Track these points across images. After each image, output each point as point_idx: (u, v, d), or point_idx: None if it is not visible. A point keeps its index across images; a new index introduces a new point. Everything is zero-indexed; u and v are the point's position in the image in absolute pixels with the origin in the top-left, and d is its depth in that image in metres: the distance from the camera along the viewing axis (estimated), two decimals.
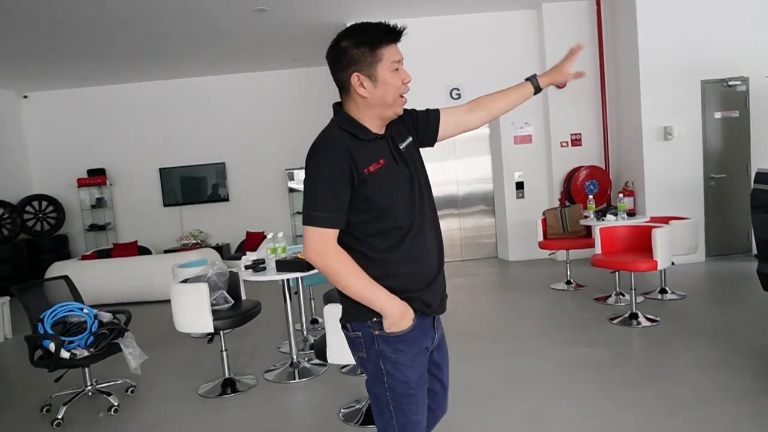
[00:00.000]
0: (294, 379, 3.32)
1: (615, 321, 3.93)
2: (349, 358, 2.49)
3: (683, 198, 5.69)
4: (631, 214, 4.79)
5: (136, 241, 6.77)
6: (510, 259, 6.59)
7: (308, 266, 3.08)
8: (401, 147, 1.43)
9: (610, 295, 4.51)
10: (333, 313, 2.43)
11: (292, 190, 8.22)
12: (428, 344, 1.46)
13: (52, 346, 2.95)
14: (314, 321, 4.55)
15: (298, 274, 3.10)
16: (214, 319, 3.04)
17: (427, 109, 1.58)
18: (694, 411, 2.54)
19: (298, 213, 8.29)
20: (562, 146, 6.35)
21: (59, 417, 2.95)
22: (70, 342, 3.04)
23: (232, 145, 8.19)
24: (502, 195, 6.60)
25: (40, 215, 7.94)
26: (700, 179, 5.79)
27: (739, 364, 2.99)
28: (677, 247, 4.27)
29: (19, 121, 8.19)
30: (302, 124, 8.10)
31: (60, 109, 8.23)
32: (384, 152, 1.38)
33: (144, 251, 6.58)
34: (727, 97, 5.78)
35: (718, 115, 5.79)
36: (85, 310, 3.21)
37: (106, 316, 3.23)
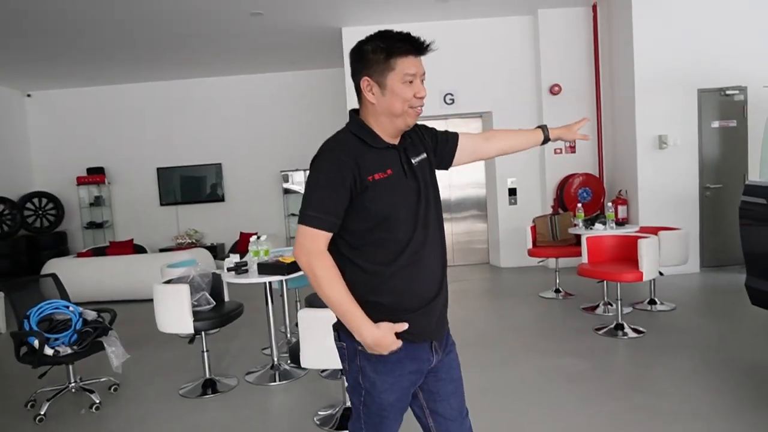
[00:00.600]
0: (274, 381, 3.35)
1: (601, 331, 3.91)
2: (322, 363, 2.52)
3: (678, 208, 5.66)
4: (620, 223, 4.77)
5: (131, 240, 6.84)
6: (502, 265, 6.58)
7: (289, 269, 3.10)
8: (414, 161, 1.41)
9: (598, 305, 4.50)
10: (307, 318, 2.45)
11: (287, 191, 8.27)
12: (416, 368, 1.40)
13: (36, 343, 3.00)
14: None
15: (279, 277, 3.13)
16: (194, 320, 3.07)
17: (447, 131, 1.60)
18: (671, 425, 2.53)
19: (293, 215, 8.34)
20: (556, 153, 6.34)
21: (42, 413, 3.00)
22: (55, 339, 3.09)
23: (229, 146, 8.26)
24: (494, 201, 6.60)
25: (40, 212, 8.04)
26: (696, 189, 5.75)
27: (722, 379, 2.97)
28: (666, 258, 4.25)
29: (22, 119, 8.31)
30: (298, 126, 8.17)
31: (62, 108, 8.34)
32: (393, 162, 1.36)
33: (139, 249, 6.65)
34: (724, 107, 5.74)
35: (715, 124, 5.76)
36: (71, 308, 3.26)
37: (91, 315, 3.27)
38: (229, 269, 3.28)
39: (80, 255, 6.43)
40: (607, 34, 6.16)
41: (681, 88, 5.64)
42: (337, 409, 2.78)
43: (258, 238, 3.45)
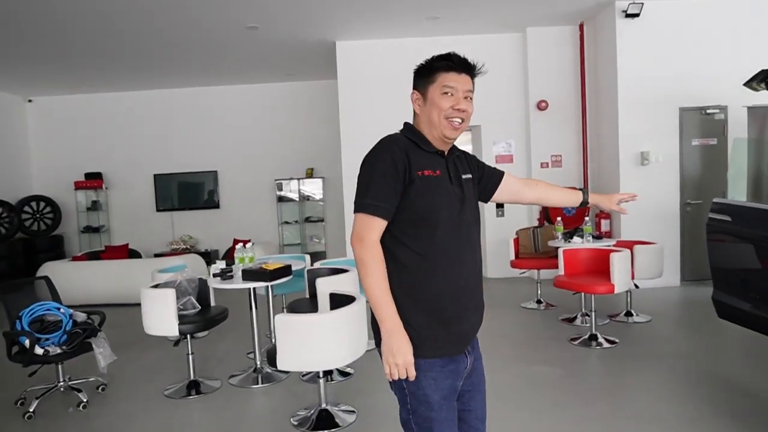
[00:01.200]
0: (257, 384, 3.47)
1: (576, 342, 4.04)
2: (297, 365, 2.65)
3: (659, 222, 5.80)
4: (598, 236, 4.91)
5: (127, 244, 6.97)
6: (488, 276, 6.71)
7: (271, 276, 3.23)
8: (462, 176, 1.50)
9: (576, 316, 4.62)
10: (283, 322, 2.58)
11: (281, 199, 8.42)
12: (454, 367, 1.44)
13: (27, 343, 3.13)
14: None
15: (262, 284, 3.26)
16: (180, 323, 3.20)
17: (494, 168, 1.72)
18: (632, 431, 2.64)
19: (286, 222, 8.48)
20: (542, 167, 6.50)
21: (31, 410, 3.11)
22: (45, 339, 3.21)
23: (225, 154, 8.45)
24: (482, 212, 6.70)
25: (38, 215, 8.19)
26: (677, 205, 5.90)
27: (688, 390, 3.08)
28: (641, 271, 4.39)
29: (22, 124, 8.49)
30: (293, 136, 8.36)
31: (62, 114, 8.53)
32: (442, 167, 1.46)
33: (134, 254, 6.78)
34: (705, 125, 5.91)
35: (695, 142, 5.92)
36: (62, 310, 3.39)
37: (81, 316, 3.40)
38: (214, 275, 3.42)
39: (75, 259, 6.56)
40: (593, 53, 6.35)
41: (663, 106, 5.81)
42: (313, 411, 2.90)
43: (244, 246, 3.59)
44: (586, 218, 5.15)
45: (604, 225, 5.99)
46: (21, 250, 7.75)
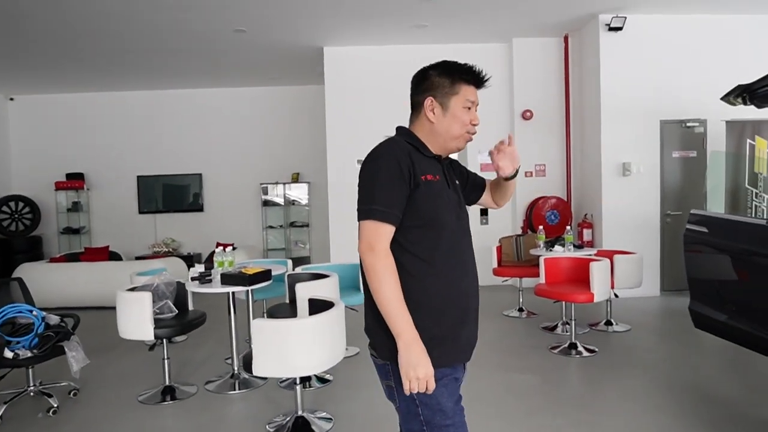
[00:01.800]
0: (233, 390, 3.41)
1: (555, 350, 4.06)
2: (273, 371, 2.62)
3: (640, 232, 5.89)
4: (579, 246, 4.96)
5: (107, 247, 6.86)
6: None
7: (251, 280, 3.20)
8: (456, 182, 1.53)
9: (556, 325, 4.65)
10: (260, 327, 2.55)
11: (266, 203, 8.38)
12: (458, 375, 1.45)
13: None
14: None
15: (240, 288, 3.22)
16: (155, 328, 3.14)
17: (476, 174, 1.71)
18: None
19: (271, 227, 8.42)
20: (526, 176, 6.57)
21: None
22: (16, 342, 3.13)
23: (210, 157, 8.38)
24: None
25: (16, 216, 8.02)
26: (657, 215, 6.00)
27: (664, 400, 3.10)
28: (621, 280, 4.43)
29: (4, 122, 8.33)
30: (278, 141, 8.34)
31: (44, 113, 8.39)
32: (440, 172, 1.45)
33: (114, 257, 6.66)
34: (685, 138, 6.03)
35: (676, 154, 6.04)
36: (34, 312, 3.31)
37: (54, 319, 3.32)
38: (193, 278, 3.37)
39: (53, 260, 6.43)
40: (577, 65, 6.45)
41: (644, 119, 5.92)
42: (288, 418, 2.86)
43: (224, 249, 3.55)
44: (568, 227, 5.20)
45: (586, 234, 6.05)
46: None
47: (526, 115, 6.46)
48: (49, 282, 5.70)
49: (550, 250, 4.71)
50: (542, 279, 4.26)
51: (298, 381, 2.82)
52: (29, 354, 3.09)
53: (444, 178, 1.45)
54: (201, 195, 8.38)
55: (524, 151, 6.55)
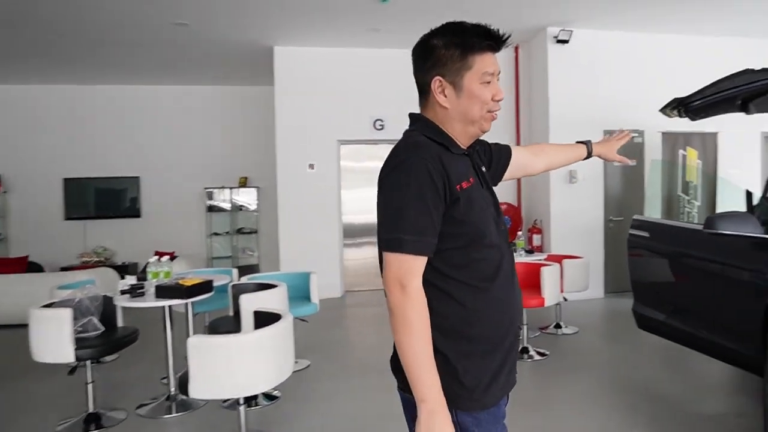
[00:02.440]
0: (169, 413, 3.10)
1: None
2: (212, 393, 2.37)
3: (586, 237, 6.08)
4: (530, 251, 5.02)
5: (26, 257, 6.18)
6: None
7: (189, 293, 2.92)
8: (484, 170, 1.25)
9: None
10: (198, 344, 2.30)
11: (211, 209, 7.93)
12: (503, 414, 1.25)
13: None
14: None
15: (178, 301, 2.93)
16: (77, 348, 2.78)
17: (499, 144, 1.44)
18: None
19: (216, 234, 7.98)
20: None
21: None
22: None
23: (150, 159, 7.81)
24: None
25: None
26: (601, 221, 6.23)
27: (613, 399, 3.15)
28: (569, 284, 4.52)
29: None
30: (226, 143, 7.95)
31: None
32: (471, 171, 1.18)
33: (35, 268, 6.01)
34: (625, 147, 6.03)
35: (617, 162, 6.31)
36: None
37: None
38: (122, 292, 3.03)
39: None
40: (527, 75, 6.62)
41: (589, 128, 6.10)
42: None
43: (159, 259, 3.23)
44: (519, 233, 5.27)
45: (536, 240, 6.17)
46: None
47: None
48: None
49: None
50: None
51: (241, 401, 2.58)
52: None
53: (477, 177, 1.19)
54: (138, 200, 7.79)
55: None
